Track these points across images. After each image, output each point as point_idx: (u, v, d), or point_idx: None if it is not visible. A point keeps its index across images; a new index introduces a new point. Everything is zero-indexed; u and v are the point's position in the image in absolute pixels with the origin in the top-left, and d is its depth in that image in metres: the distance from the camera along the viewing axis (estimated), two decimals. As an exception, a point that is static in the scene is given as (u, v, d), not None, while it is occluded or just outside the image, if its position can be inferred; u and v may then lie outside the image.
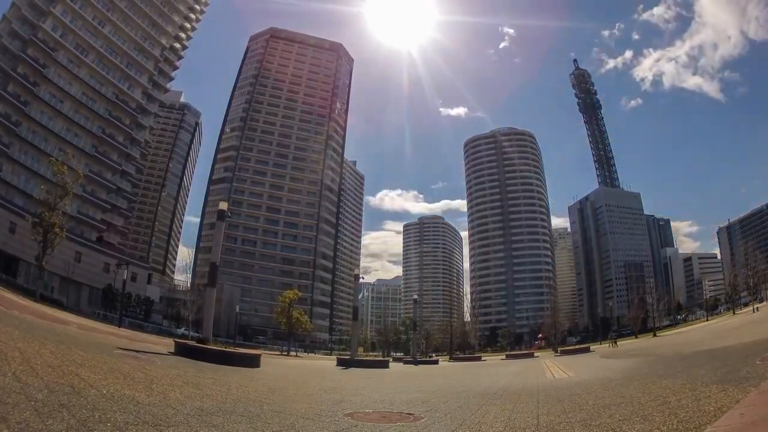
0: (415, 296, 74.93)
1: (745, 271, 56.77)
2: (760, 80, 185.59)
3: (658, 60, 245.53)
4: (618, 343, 37.01)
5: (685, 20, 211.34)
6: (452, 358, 45.10)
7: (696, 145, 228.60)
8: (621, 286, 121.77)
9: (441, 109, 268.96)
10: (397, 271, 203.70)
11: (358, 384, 9.77)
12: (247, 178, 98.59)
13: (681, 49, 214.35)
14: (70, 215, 41.32)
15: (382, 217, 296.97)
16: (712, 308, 73.26)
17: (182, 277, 79.15)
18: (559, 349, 43.08)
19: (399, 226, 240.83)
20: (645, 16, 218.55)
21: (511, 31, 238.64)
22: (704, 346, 13.50)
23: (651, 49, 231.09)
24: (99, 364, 5.90)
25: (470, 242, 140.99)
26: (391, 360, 31.54)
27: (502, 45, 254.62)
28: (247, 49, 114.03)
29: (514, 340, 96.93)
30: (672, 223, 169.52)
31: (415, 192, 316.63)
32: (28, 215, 36.67)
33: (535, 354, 38.43)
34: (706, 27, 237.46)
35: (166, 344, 15.38)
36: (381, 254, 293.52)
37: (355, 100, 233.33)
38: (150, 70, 64.86)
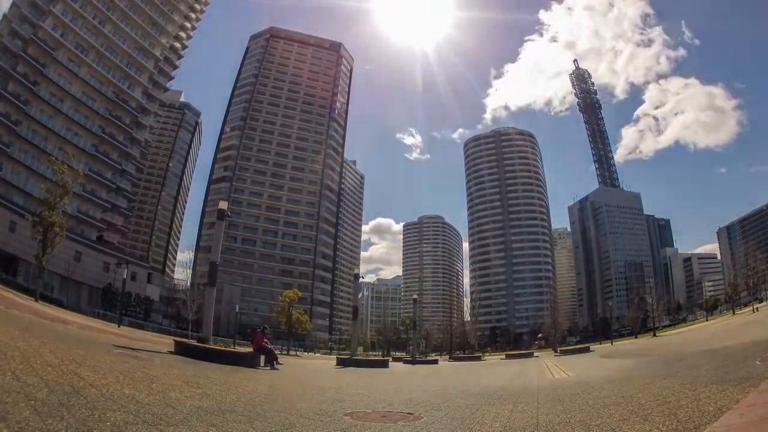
0: (415, 296, 74.98)
1: (744, 271, 56.75)
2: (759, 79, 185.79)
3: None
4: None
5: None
6: (452, 358, 45.10)
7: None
8: (621, 286, 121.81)
9: (442, 109, 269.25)
10: (397, 270, 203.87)
11: (358, 384, 9.77)
12: (247, 177, 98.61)
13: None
14: (70, 214, 41.32)
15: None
16: (711, 308, 73.29)
17: (182, 277, 79.20)
18: (559, 348, 43.06)
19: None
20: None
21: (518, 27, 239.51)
22: (704, 346, 13.50)
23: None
24: (99, 364, 5.89)
25: (470, 242, 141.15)
26: (390, 360, 31.53)
27: (503, 43, 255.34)
28: (247, 48, 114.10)
29: (513, 340, 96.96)
30: (671, 223, 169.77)
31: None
32: (28, 214, 36.72)
33: (535, 354, 38.38)
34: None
35: (166, 343, 15.37)
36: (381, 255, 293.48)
37: (356, 100, 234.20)
38: (150, 70, 64.86)
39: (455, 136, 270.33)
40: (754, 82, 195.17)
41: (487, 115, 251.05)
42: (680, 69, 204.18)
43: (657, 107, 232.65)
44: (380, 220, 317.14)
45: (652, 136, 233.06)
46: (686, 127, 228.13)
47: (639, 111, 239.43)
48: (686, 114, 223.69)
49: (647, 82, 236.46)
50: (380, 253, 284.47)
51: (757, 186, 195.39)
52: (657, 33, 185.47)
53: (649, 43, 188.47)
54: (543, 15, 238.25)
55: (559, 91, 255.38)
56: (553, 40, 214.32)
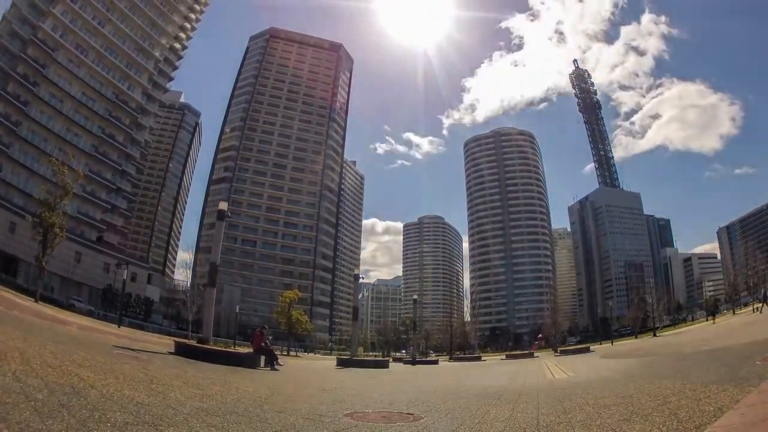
0: (415, 296, 75.09)
1: (745, 271, 56.72)
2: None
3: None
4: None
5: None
6: (452, 358, 45.10)
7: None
8: (621, 286, 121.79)
9: (441, 108, 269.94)
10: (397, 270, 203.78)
11: (358, 384, 9.77)
12: (247, 178, 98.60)
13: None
14: (70, 215, 41.30)
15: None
16: (712, 308, 73.14)
17: (182, 277, 79.22)
18: (559, 349, 43.03)
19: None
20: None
21: (514, 30, 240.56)
22: (704, 346, 13.49)
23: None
24: (99, 364, 5.89)
25: (470, 242, 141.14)
26: (390, 360, 31.54)
27: (505, 44, 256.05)
28: (247, 49, 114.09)
29: (513, 340, 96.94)
30: (672, 223, 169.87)
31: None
32: (28, 215, 36.69)
33: (535, 354, 38.36)
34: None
35: (166, 344, 15.38)
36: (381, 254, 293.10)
37: (355, 100, 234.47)
38: (150, 70, 64.90)
39: (424, 140, 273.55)
40: (731, 80, 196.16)
41: (445, 131, 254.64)
42: (658, 69, 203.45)
43: (633, 112, 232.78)
44: (363, 221, 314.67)
45: (632, 140, 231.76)
46: (663, 128, 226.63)
47: (620, 115, 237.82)
48: (666, 115, 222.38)
49: (623, 85, 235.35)
50: (366, 255, 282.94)
51: (743, 187, 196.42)
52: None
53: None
54: (510, 22, 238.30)
55: (520, 104, 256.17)
56: (519, 47, 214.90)
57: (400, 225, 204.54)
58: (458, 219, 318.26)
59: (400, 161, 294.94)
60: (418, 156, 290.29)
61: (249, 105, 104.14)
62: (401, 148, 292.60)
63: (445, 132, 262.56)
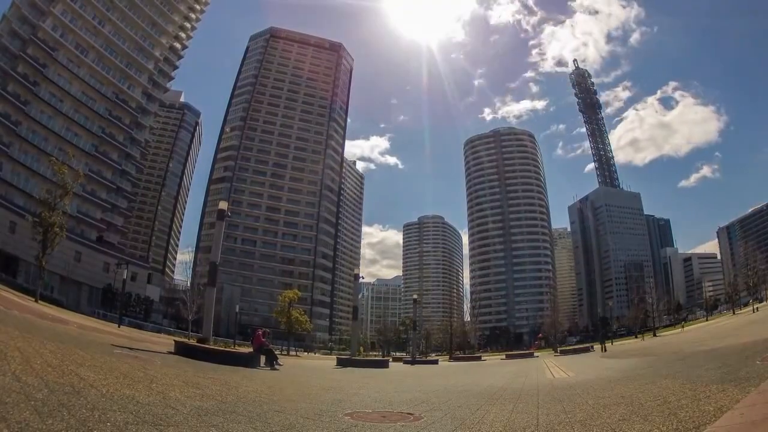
0: (415, 296, 74.96)
1: (745, 271, 56.73)
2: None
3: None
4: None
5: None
6: (452, 358, 45.10)
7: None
8: (621, 286, 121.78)
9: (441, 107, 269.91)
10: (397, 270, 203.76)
11: (358, 384, 9.77)
12: (247, 178, 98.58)
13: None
14: (70, 215, 41.30)
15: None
16: (712, 308, 73.26)
17: (182, 277, 79.22)
18: (559, 348, 43.08)
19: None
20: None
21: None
22: (704, 346, 13.49)
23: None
24: (99, 364, 5.90)
25: (470, 242, 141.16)
26: (390, 360, 31.54)
27: (506, 43, 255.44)
28: (247, 48, 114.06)
29: (513, 340, 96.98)
30: (671, 223, 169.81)
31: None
32: (28, 215, 36.71)
33: (535, 354, 38.39)
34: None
35: (166, 344, 15.38)
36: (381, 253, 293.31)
37: (356, 99, 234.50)
38: (150, 70, 64.85)
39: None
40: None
41: (446, 129, 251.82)
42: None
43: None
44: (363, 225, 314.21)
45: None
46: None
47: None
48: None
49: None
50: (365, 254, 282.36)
51: (743, 187, 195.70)
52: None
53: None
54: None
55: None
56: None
57: (398, 223, 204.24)
58: (458, 219, 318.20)
59: (399, 161, 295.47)
60: (416, 155, 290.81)
61: (249, 105, 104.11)
62: (401, 147, 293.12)
63: (445, 131, 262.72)
